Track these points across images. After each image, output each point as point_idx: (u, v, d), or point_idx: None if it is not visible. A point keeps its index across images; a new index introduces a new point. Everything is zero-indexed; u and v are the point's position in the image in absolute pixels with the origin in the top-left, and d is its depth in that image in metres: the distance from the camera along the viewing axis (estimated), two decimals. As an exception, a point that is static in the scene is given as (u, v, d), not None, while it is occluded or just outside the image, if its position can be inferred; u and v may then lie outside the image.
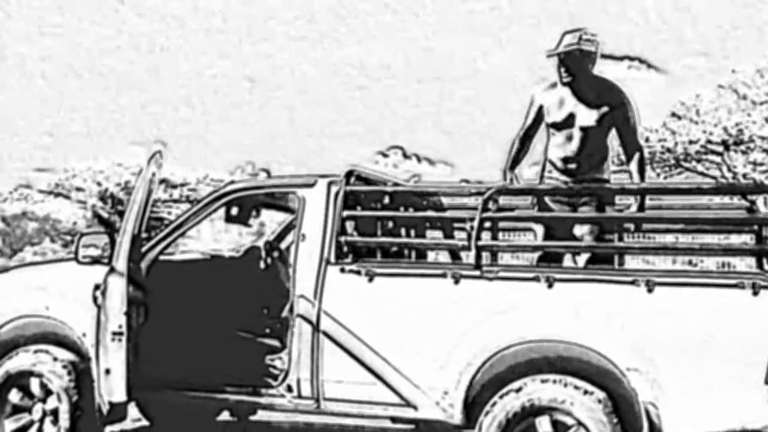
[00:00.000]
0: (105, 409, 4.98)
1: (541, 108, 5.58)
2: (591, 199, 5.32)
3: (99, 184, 29.72)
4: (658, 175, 24.44)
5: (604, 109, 5.38)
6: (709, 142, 24.21)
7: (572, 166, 5.47)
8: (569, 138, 5.47)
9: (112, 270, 5.07)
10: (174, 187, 30.73)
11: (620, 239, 5.45)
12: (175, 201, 29.95)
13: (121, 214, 26.88)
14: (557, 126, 5.49)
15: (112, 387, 5.00)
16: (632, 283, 4.58)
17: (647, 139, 24.34)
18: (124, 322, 4.98)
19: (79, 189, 29.44)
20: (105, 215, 28.93)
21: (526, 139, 5.67)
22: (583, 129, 5.41)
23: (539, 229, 5.38)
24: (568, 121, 5.44)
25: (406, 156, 39.39)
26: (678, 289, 4.55)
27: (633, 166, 5.37)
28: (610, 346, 4.57)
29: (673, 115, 25.04)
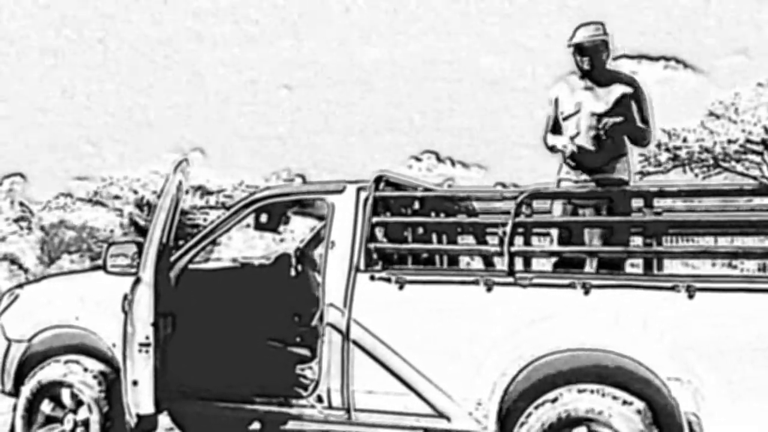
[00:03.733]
0: (132, 421, 4.93)
1: (556, 101, 5.52)
2: (601, 202, 5.20)
3: (135, 192, 30.00)
4: (696, 175, 24.06)
5: (617, 94, 5.30)
6: (749, 141, 23.75)
7: (585, 157, 5.32)
8: (578, 127, 5.36)
9: (138, 280, 5.02)
10: (210, 193, 30.95)
11: (659, 243, 5.27)
12: (211, 207, 30.10)
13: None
14: (568, 116, 5.42)
15: (139, 399, 4.95)
16: (672, 288, 4.42)
17: (685, 140, 23.95)
18: (151, 333, 4.93)
19: (116, 197, 29.75)
20: (142, 223, 29.16)
21: (555, 133, 5.55)
22: (592, 114, 5.31)
23: (554, 233, 5.27)
24: (579, 109, 5.37)
25: (439, 160, 39.22)
26: (720, 294, 4.38)
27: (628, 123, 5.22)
28: (649, 355, 4.41)
29: (711, 114, 24.61)
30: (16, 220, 22.99)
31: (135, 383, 4.93)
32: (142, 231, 27.70)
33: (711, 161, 24.29)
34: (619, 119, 5.16)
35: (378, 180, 5.22)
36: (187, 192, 5.53)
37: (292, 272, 6.59)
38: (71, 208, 26.68)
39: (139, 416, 4.96)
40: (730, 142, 23.79)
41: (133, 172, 30.44)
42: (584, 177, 5.36)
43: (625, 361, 4.46)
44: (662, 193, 5.02)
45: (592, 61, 5.35)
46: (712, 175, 24.34)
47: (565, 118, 5.45)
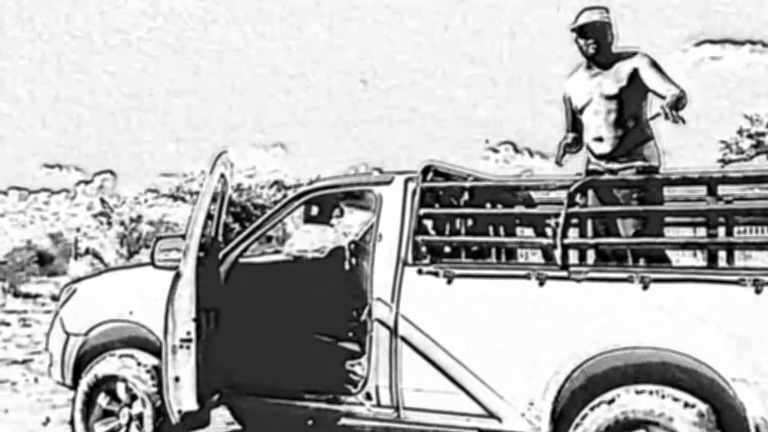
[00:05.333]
0: (174, 418, 4.90)
1: (569, 99, 5.34)
2: (632, 192, 4.93)
3: (216, 190, 30.54)
4: (776, 163, 22.96)
5: (627, 70, 5.05)
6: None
7: (605, 146, 5.11)
8: (596, 113, 5.16)
9: (178, 275, 4.98)
10: (288, 188, 31.33)
11: (728, 234, 4.94)
12: (287, 202, 30.38)
13: (234, 215, 27.52)
14: (583, 107, 5.22)
15: (181, 396, 4.91)
16: (738, 282, 4.12)
17: (768, 125, 22.92)
18: (192, 328, 4.88)
19: (194, 193, 30.39)
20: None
21: (574, 131, 5.35)
22: (607, 98, 5.10)
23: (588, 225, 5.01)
24: (591, 97, 5.17)
25: (517, 150, 38.60)
26: (791, 289, 4.05)
27: (666, 101, 4.77)
28: (713, 354, 4.13)
29: (799, 98, 23.42)
30: (96, 216, 23.68)
31: (177, 379, 4.89)
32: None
33: (796, 148, 23.17)
34: (674, 99, 4.75)
35: (426, 170, 5.06)
36: (233, 187, 5.47)
37: (347, 266, 6.48)
38: (151, 203, 27.34)
39: (181, 413, 4.91)
40: (819, 127, 22.66)
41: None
42: (612, 166, 5.12)
43: (687, 361, 4.19)
44: (726, 180, 4.70)
45: (598, 44, 5.14)
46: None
47: (580, 111, 5.25)
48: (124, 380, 5.60)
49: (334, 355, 5.66)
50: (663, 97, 4.82)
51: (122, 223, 23.48)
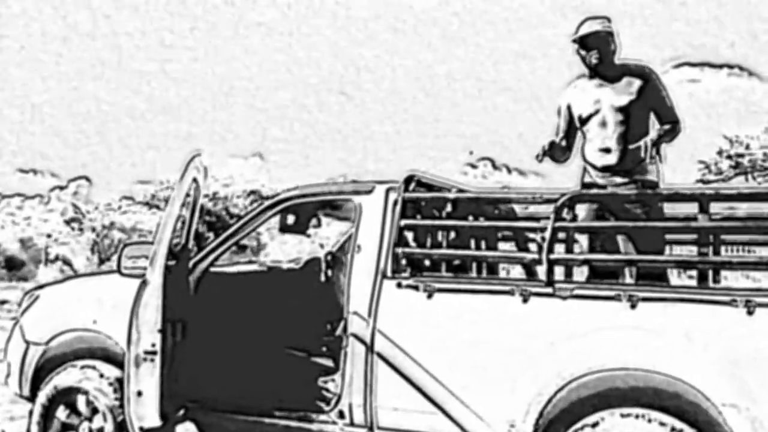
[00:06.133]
0: (134, 436, 4.65)
1: (569, 106, 5.19)
2: (635, 207, 4.80)
3: (188, 195, 30.26)
4: (760, 183, 23.10)
5: (636, 84, 4.95)
6: (817, 149, 22.75)
7: (611, 158, 4.97)
8: (603, 124, 5.03)
9: (145, 282, 4.74)
10: (264, 198, 31.15)
11: (716, 253, 4.79)
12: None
13: (208, 224, 27.21)
14: (588, 117, 5.08)
15: (143, 411, 4.66)
16: (729, 303, 3.97)
17: (748, 146, 23.10)
18: (158, 339, 4.64)
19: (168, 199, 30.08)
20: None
21: (565, 141, 5.24)
22: (616, 109, 4.97)
23: (583, 240, 4.89)
24: (598, 107, 5.04)
25: (495, 167, 38.68)
26: (785, 311, 3.90)
27: (652, 135, 4.84)
28: (702, 377, 3.96)
29: (777, 120, 23.67)
30: (68, 222, 23.29)
31: (139, 394, 4.64)
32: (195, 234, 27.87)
33: (776, 169, 23.34)
34: (661, 133, 4.86)
35: (408, 180, 4.88)
36: (208, 196, 5.25)
37: (322, 277, 6.27)
38: (124, 210, 26.97)
39: (143, 430, 4.66)
40: (797, 149, 22.85)
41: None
42: (616, 180, 4.97)
43: (675, 384, 4.02)
44: (719, 197, 4.56)
45: (600, 54, 5.01)
46: (777, 183, 23.37)
47: (584, 120, 5.11)
48: (86, 393, 5.35)
49: (306, 371, 5.47)
50: (660, 121, 4.83)
51: (94, 230, 23.09)
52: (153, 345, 4.64)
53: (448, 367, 4.45)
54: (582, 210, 4.94)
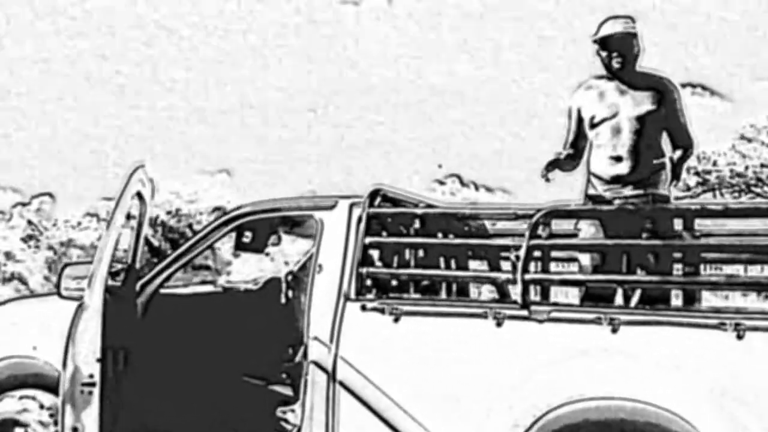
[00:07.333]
0: (72, 477, 4.26)
1: (579, 109, 4.89)
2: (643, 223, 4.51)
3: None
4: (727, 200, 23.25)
5: (657, 96, 4.70)
6: (783, 165, 22.98)
7: (623, 167, 4.69)
8: (617, 131, 4.73)
9: (82, 307, 4.35)
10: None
11: (696, 273, 4.53)
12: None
13: (171, 241, 26.68)
14: (601, 121, 4.77)
15: (79, 450, 4.28)
16: (718, 326, 3.72)
17: (715, 163, 23.25)
18: (97, 370, 4.25)
19: (131, 217, 29.46)
20: (156, 243, 28.80)
21: (573, 149, 4.94)
22: (633, 119, 4.70)
23: (584, 259, 4.58)
24: (614, 112, 4.75)
25: (463, 184, 38.68)
26: (776, 334, 3.66)
27: (675, 155, 4.75)
28: (689, 407, 3.72)
29: (743, 137, 23.84)
30: (24, 239, 22.66)
31: (75, 430, 4.25)
32: (156, 251, 27.31)
33: (743, 186, 23.47)
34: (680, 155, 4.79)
35: (373, 195, 4.57)
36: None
37: (282, 299, 5.92)
38: (84, 227, 26.32)
39: (81, 471, 4.28)
40: (763, 166, 23.01)
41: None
42: (625, 192, 4.69)
43: (660, 414, 3.76)
44: (704, 213, 4.30)
45: (623, 57, 4.71)
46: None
47: (596, 124, 4.79)
48: (25, 426, 4.97)
49: (264, 401, 5.15)
50: (672, 141, 4.72)
51: (51, 247, 22.47)
52: (91, 376, 4.25)
53: (417, 397, 4.17)
54: (584, 226, 4.65)
